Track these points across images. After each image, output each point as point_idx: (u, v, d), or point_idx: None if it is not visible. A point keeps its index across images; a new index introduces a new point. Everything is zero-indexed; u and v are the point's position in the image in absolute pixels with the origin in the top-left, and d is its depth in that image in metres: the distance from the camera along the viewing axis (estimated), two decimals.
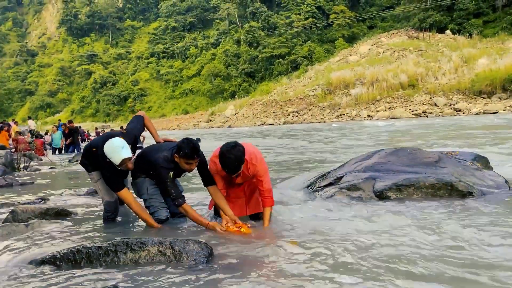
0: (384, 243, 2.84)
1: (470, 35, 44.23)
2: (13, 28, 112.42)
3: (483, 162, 4.88)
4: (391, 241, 2.90)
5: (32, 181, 7.60)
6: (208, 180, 3.49)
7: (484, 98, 30.09)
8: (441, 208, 3.74)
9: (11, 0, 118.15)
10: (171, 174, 3.34)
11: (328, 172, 5.00)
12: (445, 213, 3.57)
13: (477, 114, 26.80)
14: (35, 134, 19.01)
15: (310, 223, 3.52)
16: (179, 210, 3.46)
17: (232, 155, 3.09)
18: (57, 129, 16.69)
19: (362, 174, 4.50)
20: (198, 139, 3.47)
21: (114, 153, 3.31)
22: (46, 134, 20.34)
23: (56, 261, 2.64)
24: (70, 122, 17.06)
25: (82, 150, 6.35)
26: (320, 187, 4.64)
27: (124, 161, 3.34)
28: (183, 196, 3.41)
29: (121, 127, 16.99)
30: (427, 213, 3.60)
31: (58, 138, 16.32)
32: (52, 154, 15.89)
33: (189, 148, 3.23)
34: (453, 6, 48.17)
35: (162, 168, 3.34)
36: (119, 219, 4.08)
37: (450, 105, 30.79)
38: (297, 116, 40.18)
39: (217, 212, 3.71)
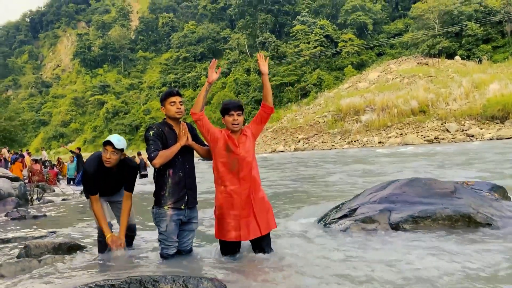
0: (406, 283, 2.76)
1: (480, 61, 44.27)
2: (29, 60, 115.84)
3: (501, 192, 4.78)
4: (413, 281, 2.82)
5: (44, 213, 7.63)
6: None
7: (497, 123, 29.81)
8: (460, 241, 3.64)
9: (27, 34, 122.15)
10: (151, 132, 3.58)
11: (342, 204, 4.94)
12: (465, 247, 3.47)
13: (490, 139, 26.50)
14: (50, 165, 19.23)
15: (327, 259, 3.44)
16: (154, 162, 3.51)
17: (232, 99, 3.70)
18: (74, 159, 16.62)
19: (377, 205, 4.42)
20: None
21: (110, 136, 3.84)
22: (58, 163, 20.51)
23: None
24: (78, 149, 17.22)
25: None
26: (334, 219, 4.56)
27: (107, 143, 3.76)
28: (157, 150, 3.51)
29: (139, 153, 17.07)
30: (446, 247, 3.50)
31: (73, 168, 16.28)
32: (67, 184, 15.97)
33: (164, 93, 3.71)
34: (461, 33, 48.45)
35: (146, 131, 3.67)
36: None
37: (463, 130, 30.54)
38: (307, 142, 40.15)
39: (224, 248, 3.65)
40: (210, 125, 3.56)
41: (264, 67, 3.66)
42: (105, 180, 3.87)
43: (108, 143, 3.78)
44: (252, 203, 3.52)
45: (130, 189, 3.99)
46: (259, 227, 3.51)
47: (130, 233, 4.17)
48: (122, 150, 3.86)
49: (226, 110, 3.54)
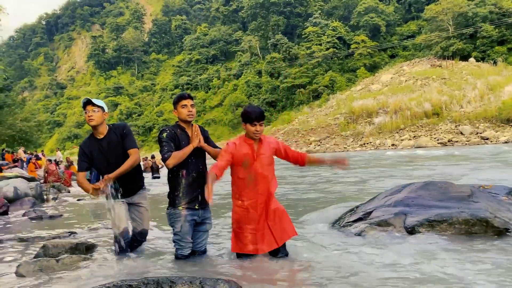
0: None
1: (495, 63, 43.66)
2: (44, 62, 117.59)
3: None
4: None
5: (61, 213, 7.73)
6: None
7: None
8: (478, 247, 3.60)
9: (43, 37, 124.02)
10: (164, 134, 3.65)
11: (357, 207, 4.92)
12: (483, 252, 3.44)
13: (505, 142, 26.13)
14: (66, 165, 19.46)
15: (342, 262, 3.44)
16: (168, 163, 3.56)
17: (255, 106, 3.63)
18: None
19: (392, 209, 4.40)
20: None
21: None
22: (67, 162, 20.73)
23: None
24: None
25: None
26: (349, 222, 4.55)
27: (86, 104, 3.84)
28: (170, 151, 3.56)
29: (152, 156, 17.24)
30: (464, 252, 3.47)
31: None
32: None
33: (176, 96, 3.78)
34: (476, 34, 47.89)
35: (159, 133, 3.73)
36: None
37: (477, 133, 30.16)
38: (319, 145, 39.99)
39: (239, 256, 3.65)
40: (228, 154, 3.47)
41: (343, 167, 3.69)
42: (99, 150, 3.88)
43: (86, 103, 3.89)
44: (265, 215, 3.54)
45: (131, 145, 3.96)
46: (274, 238, 3.53)
47: (140, 238, 4.12)
48: (102, 108, 3.93)
49: (249, 119, 3.50)
